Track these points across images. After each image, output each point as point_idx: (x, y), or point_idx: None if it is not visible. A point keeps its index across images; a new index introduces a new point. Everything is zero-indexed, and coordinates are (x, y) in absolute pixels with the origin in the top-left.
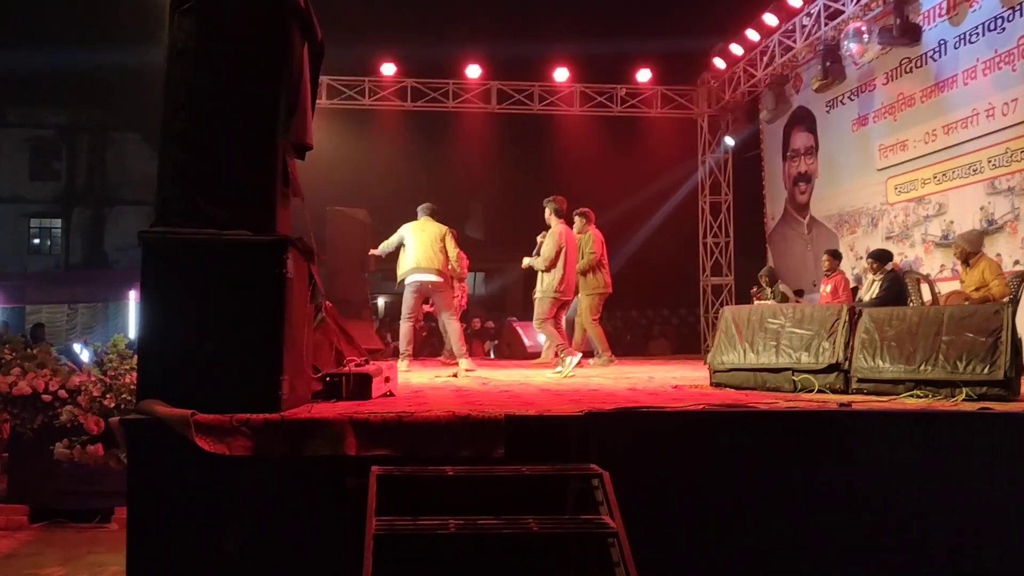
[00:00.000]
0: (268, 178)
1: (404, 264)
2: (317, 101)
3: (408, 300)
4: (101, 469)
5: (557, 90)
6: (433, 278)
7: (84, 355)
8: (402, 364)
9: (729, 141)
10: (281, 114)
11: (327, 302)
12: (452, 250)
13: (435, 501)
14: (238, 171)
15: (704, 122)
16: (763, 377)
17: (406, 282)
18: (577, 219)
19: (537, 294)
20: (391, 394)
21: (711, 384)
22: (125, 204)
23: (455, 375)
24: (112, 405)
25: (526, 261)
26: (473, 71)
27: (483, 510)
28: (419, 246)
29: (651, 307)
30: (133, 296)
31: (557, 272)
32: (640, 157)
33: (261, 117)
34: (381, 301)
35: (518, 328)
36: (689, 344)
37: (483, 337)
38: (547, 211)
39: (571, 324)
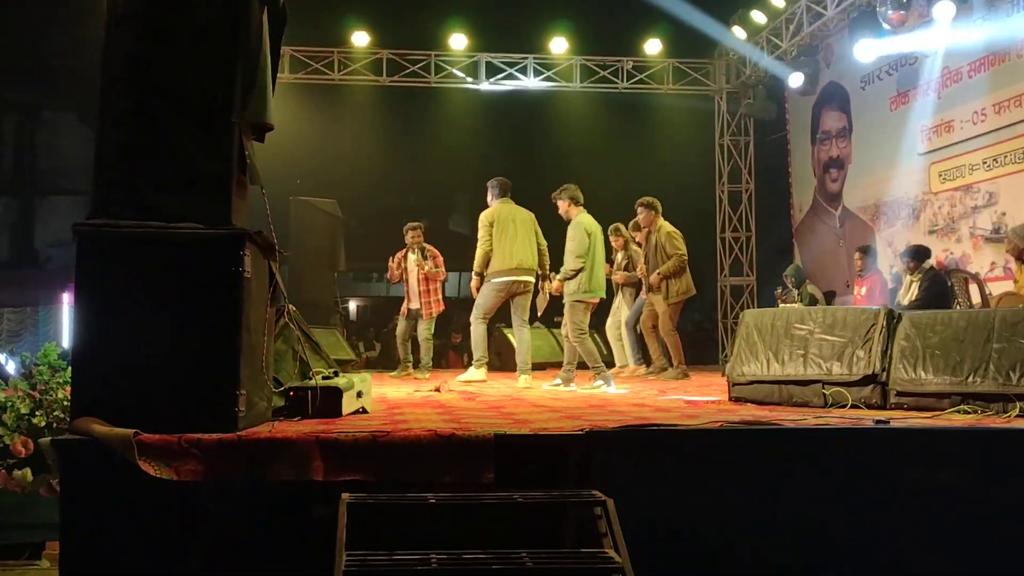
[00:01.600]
0: (223, 163)
1: (496, 260)
2: (279, 75)
3: (490, 299)
4: (30, 498)
5: (554, 63)
6: (528, 278)
7: (10, 366)
8: (479, 373)
9: (794, 81)
10: (238, 90)
11: (290, 305)
12: (542, 240)
13: (414, 533)
14: (188, 155)
15: (722, 100)
16: (789, 390)
17: (494, 280)
18: (643, 212)
19: (565, 298)
20: (364, 411)
21: (730, 399)
22: (58, 194)
23: (438, 389)
24: (42, 424)
25: (555, 282)
26: (458, 41)
27: (470, 543)
28: (519, 238)
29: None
30: (67, 299)
31: (587, 269)
32: (649, 140)
33: (215, 93)
34: (353, 305)
35: (510, 336)
36: (705, 354)
37: (461, 349)
38: (562, 203)
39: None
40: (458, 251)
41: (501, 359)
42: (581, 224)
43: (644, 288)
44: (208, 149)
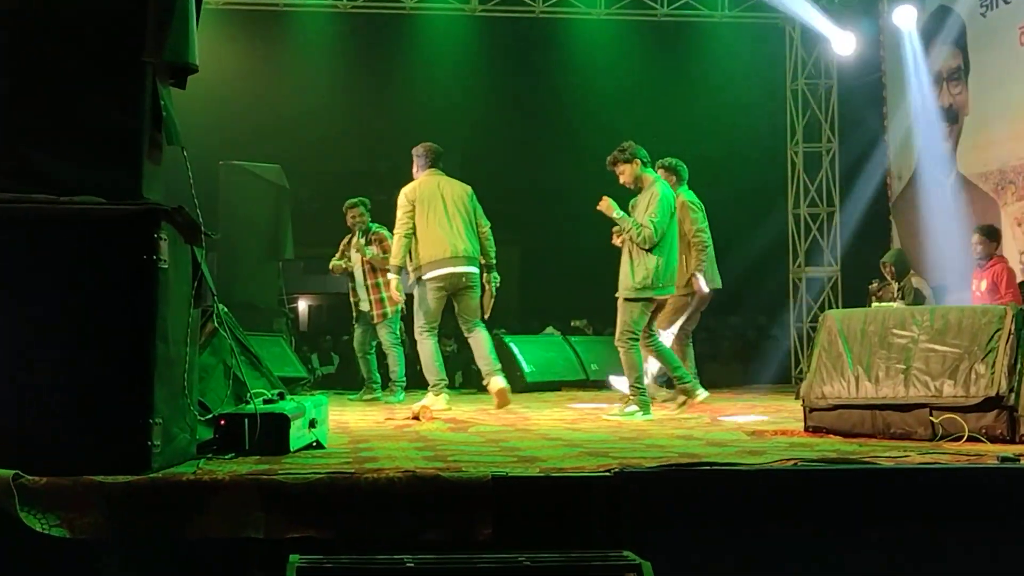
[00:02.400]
0: (130, 117)
1: (424, 250)
2: (204, 0)
3: (429, 303)
4: None
5: None
6: (470, 268)
7: None
8: (438, 400)
9: (841, 49)
10: (150, 22)
11: (221, 306)
12: (484, 221)
13: None
14: (86, 108)
15: (795, 31)
16: (885, 418)
17: (426, 277)
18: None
19: (620, 291)
20: (319, 445)
21: (806, 428)
22: None
23: (417, 416)
24: None
25: (624, 220)
26: None
27: None
28: (453, 219)
29: (715, 313)
30: None
31: (659, 254)
32: (696, 86)
33: (119, 27)
34: (303, 305)
35: (514, 348)
36: (773, 368)
37: (457, 361)
38: (627, 167)
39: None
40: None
41: (509, 378)
42: (656, 194)
43: None
44: (111, 99)
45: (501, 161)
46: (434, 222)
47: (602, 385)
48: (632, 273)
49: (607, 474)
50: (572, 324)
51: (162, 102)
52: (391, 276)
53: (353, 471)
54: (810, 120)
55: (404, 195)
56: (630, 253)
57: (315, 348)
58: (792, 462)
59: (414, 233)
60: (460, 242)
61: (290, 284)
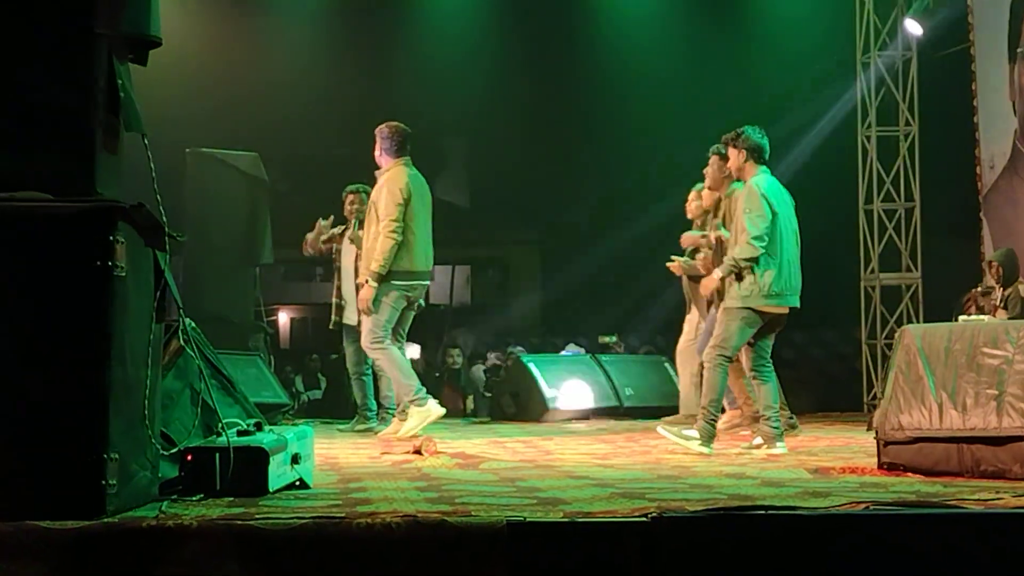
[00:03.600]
0: (82, 98)
1: (409, 256)
2: None
3: (388, 312)
4: None
5: None
6: (427, 285)
7: None
8: (422, 412)
9: (914, 27)
10: None
11: (188, 320)
12: None
13: None
14: (29, 89)
15: None
16: (974, 453)
17: (395, 282)
18: (719, 160)
19: (727, 300)
20: (304, 484)
21: (880, 465)
22: None
23: (418, 451)
24: None
25: (733, 257)
26: None
27: None
28: (429, 223)
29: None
30: None
31: (769, 260)
32: (750, 59)
33: None
34: (284, 318)
35: (534, 370)
36: (839, 393)
37: (469, 384)
38: (734, 153)
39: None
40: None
41: (527, 404)
42: (759, 189)
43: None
44: (59, 77)
45: (516, 148)
46: (418, 226)
47: (638, 413)
48: (738, 280)
49: (643, 520)
50: (600, 341)
51: (119, 81)
52: (371, 284)
53: (343, 515)
54: (885, 99)
55: (400, 188)
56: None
57: (299, 369)
58: (863, 505)
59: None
60: (431, 255)
61: (269, 294)
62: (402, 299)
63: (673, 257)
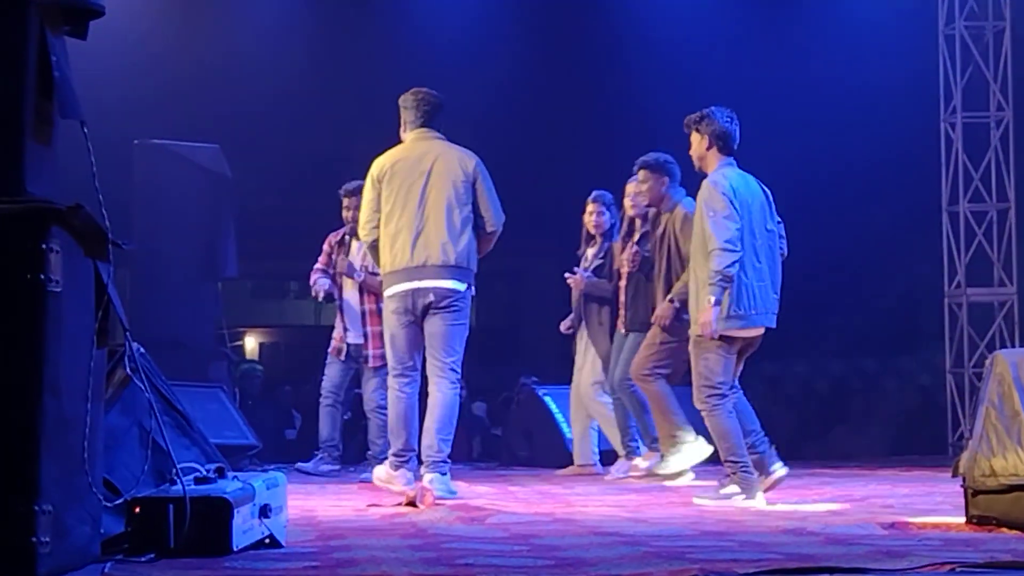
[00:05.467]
0: (9, 81)
1: (391, 249)
2: None
3: (391, 335)
4: None
5: None
6: (444, 282)
7: None
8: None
9: None
10: None
11: (136, 345)
12: (491, 216)
13: None
14: None
15: None
16: None
17: (387, 294)
18: (648, 177)
19: (692, 328)
20: (275, 542)
21: (968, 519)
22: None
23: (412, 502)
24: None
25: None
26: None
27: None
28: (428, 206)
29: (836, 355)
30: None
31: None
32: (811, 36)
33: None
34: (252, 342)
35: (551, 406)
36: (919, 432)
37: (476, 424)
38: (697, 138)
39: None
40: None
41: (545, 447)
42: (722, 185)
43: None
44: None
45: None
46: (398, 210)
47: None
48: (698, 300)
49: None
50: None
51: (53, 58)
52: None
53: None
54: (973, 79)
55: (370, 175)
56: (695, 271)
57: (271, 406)
58: (948, 567)
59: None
60: (435, 248)
61: (233, 313)
62: (397, 317)
63: (575, 268)
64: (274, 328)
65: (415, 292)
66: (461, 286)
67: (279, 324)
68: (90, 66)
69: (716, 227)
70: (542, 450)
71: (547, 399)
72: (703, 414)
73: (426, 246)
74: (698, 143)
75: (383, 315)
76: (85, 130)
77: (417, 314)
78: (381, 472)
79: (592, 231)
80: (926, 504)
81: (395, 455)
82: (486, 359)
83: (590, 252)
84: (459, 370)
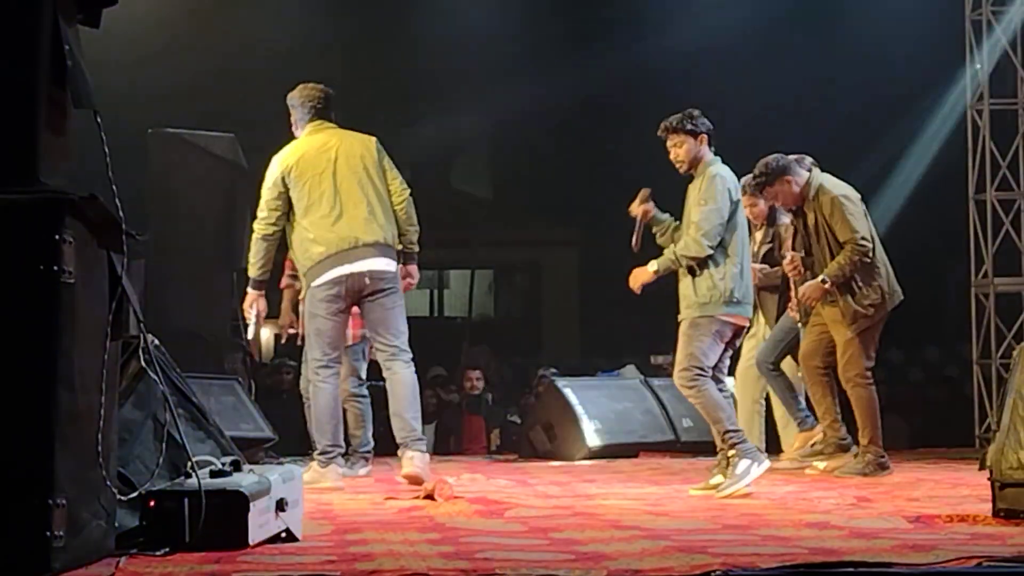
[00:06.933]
0: (22, 70)
1: (316, 236)
2: None
3: (321, 325)
4: None
5: None
6: (379, 263)
7: None
8: (330, 474)
9: None
10: None
11: (150, 337)
12: (400, 185)
13: None
14: None
15: None
16: None
17: (314, 284)
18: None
19: (684, 312)
20: (291, 536)
21: (995, 512)
22: None
23: (431, 495)
24: None
25: (651, 267)
26: None
27: None
28: (346, 190)
29: None
30: None
31: (726, 265)
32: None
33: None
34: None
35: (571, 398)
36: (945, 424)
37: (493, 416)
38: (685, 140)
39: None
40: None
41: (565, 440)
42: (720, 177)
43: (795, 303)
44: None
45: (550, 127)
46: (318, 197)
47: (698, 449)
48: (694, 284)
49: None
50: (652, 361)
51: (67, 47)
52: (250, 291)
53: (339, 573)
54: (1001, 64)
55: (271, 174)
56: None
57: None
58: (975, 561)
59: (289, 224)
60: (360, 227)
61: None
62: (329, 304)
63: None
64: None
65: (348, 278)
66: (392, 266)
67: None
68: (104, 53)
69: (705, 217)
70: (561, 442)
71: (567, 391)
72: (690, 393)
73: (351, 227)
74: (692, 143)
75: (308, 307)
76: (99, 119)
77: (349, 302)
78: (307, 475)
79: (754, 220)
80: (952, 497)
81: (323, 452)
82: (505, 351)
83: (758, 236)
84: (409, 350)
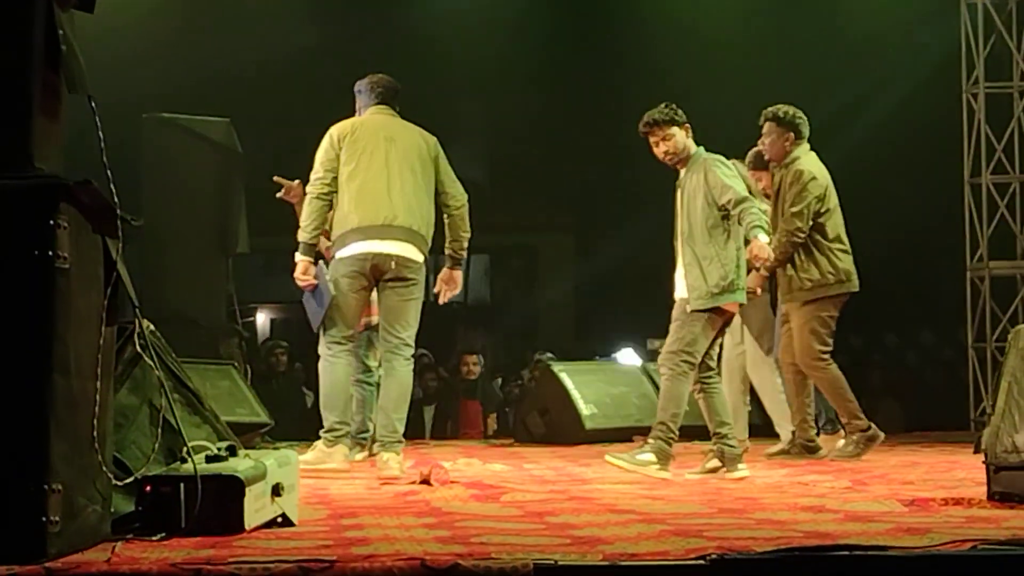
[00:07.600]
0: (15, 54)
1: (352, 208)
2: None
3: (341, 298)
4: None
5: None
6: (406, 250)
7: None
8: (338, 454)
9: None
10: None
11: (146, 322)
12: (458, 191)
13: None
14: None
15: None
16: None
17: (340, 255)
18: (771, 131)
19: (690, 298)
20: (287, 521)
21: (990, 496)
22: None
23: (426, 480)
24: None
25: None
26: None
27: None
28: (394, 172)
29: (859, 330)
30: None
31: (729, 251)
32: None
33: None
34: (263, 319)
35: (567, 382)
36: (940, 407)
37: (489, 400)
38: (674, 132)
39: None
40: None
41: (561, 423)
42: (728, 164)
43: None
44: None
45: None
46: (363, 171)
47: (694, 434)
48: (704, 274)
49: (700, 563)
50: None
51: (60, 31)
52: (298, 257)
53: (335, 558)
54: (996, 47)
55: (329, 135)
56: (693, 247)
57: (282, 380)
58: (970, 544)
59: (335, 191)
60: (401, 208)
61: (244, 290)
62: (351, 279)
63: None
64: (286, 305)
65: (375, 257)
66: (421, 257)
67: (291, 300)
68: (98, 37)
69: (730, 183)
70: (557, 427)
71: (563, 375)
72: (667, 375)
73: (391, 206)
74: (682, 135)
75: (330, 276)
76: (93, 104)
77: (372, 282)
78: (310, 455)
79: (760, 194)
80: (947, 481)
81: (330, 430)
82: (502, 335)
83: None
84: (413, 346)
